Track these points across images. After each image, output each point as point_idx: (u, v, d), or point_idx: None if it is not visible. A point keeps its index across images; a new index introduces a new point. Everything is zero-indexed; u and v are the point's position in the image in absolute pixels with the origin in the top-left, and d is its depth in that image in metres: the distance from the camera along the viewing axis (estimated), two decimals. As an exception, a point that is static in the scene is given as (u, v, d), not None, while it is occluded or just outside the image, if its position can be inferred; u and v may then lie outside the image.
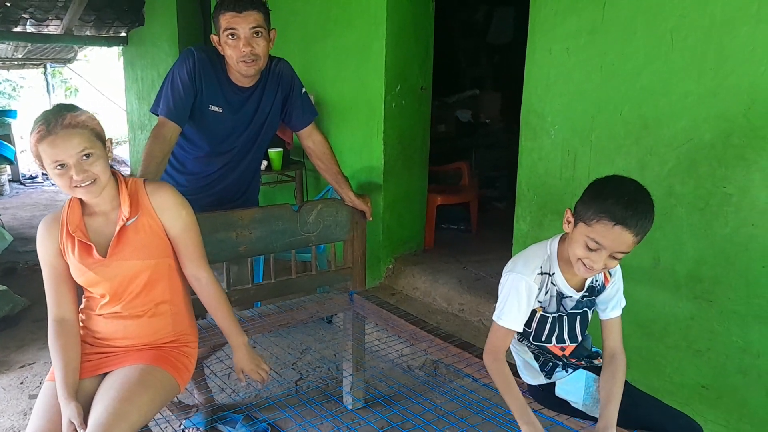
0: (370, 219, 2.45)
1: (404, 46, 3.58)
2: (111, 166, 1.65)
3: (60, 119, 1.51)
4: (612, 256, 1.44)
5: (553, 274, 1.57)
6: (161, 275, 1.73)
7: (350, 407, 2.56)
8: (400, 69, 3.58)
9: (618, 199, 1.40)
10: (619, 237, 1.39)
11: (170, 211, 1.72)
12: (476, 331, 3.09)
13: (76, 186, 1.55)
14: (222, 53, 2.13)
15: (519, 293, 1.55)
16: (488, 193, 5.27)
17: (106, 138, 1.63)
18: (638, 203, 1.41)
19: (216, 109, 2.18)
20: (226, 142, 2.27)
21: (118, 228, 1.64)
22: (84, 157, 1.53)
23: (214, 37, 2.14)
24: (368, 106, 3.68)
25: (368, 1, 3.56)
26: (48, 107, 1.75)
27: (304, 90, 2.37)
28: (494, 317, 1.59)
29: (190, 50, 2.18)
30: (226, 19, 2.04)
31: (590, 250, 1.43)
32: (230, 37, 2.05)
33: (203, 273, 1.78)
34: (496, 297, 1.61)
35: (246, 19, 2.04)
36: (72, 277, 1.67)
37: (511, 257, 2.81)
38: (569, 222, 1.52)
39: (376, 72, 3.58)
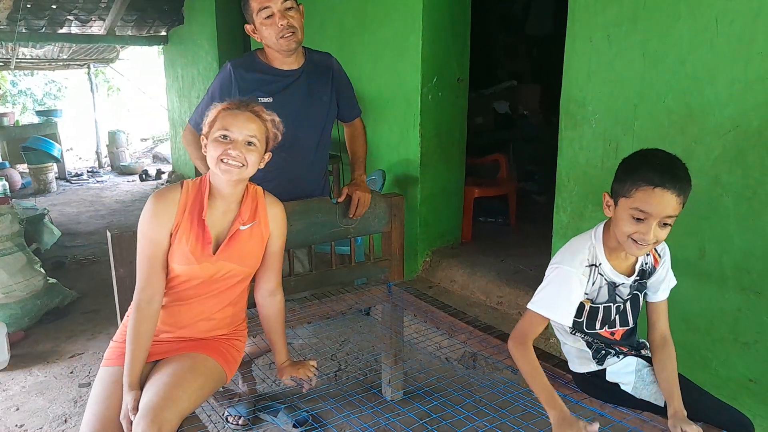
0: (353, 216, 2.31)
1: (441, 38, 3.57)
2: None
3: (252, 104, 1.68)
4: (661, 224, 1.42)
5: (600, 264, 1.56)
6: (243, 282, 1.77)
7: (389, 399, 2.58)
8: (436, 61, 3.57)
9: (651, 164, 1.42)
10: (662, 199, 1.39)
11: (279, 229, 1.79)
12: (515, 324, 3.06)
13: (224, 160, 1.60)
14: (259, 40, 2.18)
15: (570, 286, 1.53)
16: (527, 186, 5.22)
17: (269, 149, 1.72)
18: (672, 165, 1.43)
19: (266, 99, 2.18)
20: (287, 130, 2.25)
21: (234, 230, 1.68)
22: (248, 143, 1.63)
23: (248, 27, 2.20)
24: (405, 99, 3.69)
25: (404, -6, 3.56)
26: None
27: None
28: (530, 305, 1.58)
29: (225, 64, 2.26)
30: (257, 1, 2.10)
31: (637, 221, 1.43)
32: (266, 17, 2.11)
33: (280, 292, 1.85)
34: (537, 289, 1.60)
35: None
36: (166, 259, 1.64)
37: (550, 250, 2.83)
38: (609, 205, 1.52)
39: (412, 65, 3.58)
